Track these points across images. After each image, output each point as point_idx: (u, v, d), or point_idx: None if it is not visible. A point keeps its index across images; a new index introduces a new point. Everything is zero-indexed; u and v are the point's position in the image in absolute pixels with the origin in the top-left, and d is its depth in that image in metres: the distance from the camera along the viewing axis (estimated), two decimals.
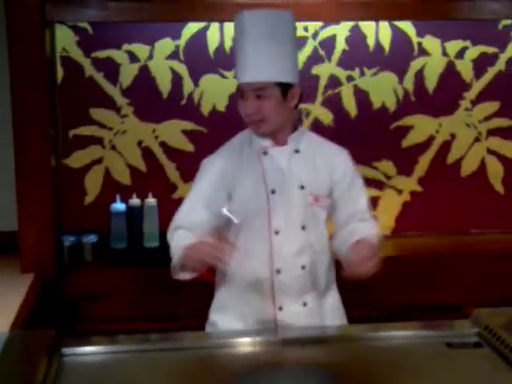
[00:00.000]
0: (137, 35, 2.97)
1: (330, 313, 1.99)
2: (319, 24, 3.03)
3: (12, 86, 2.63)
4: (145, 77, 3.01)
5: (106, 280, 2.79)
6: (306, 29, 3.05)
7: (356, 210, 1.99)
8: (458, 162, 3.23)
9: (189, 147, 3.08)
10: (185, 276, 1.84)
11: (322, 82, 3.11)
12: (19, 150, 2.67)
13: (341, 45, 3.08)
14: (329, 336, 1.81)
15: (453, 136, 3.21)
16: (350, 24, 3.05)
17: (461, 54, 3.13)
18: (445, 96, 3.16)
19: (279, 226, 1.90)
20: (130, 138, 3.05)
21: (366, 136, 3.14)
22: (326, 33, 3.06)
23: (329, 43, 3.07)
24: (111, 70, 2.99)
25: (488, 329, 1.72)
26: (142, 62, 3.00)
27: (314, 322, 1.94)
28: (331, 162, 1.96)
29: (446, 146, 3.22)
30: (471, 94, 3.18)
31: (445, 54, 3.13)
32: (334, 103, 3.13)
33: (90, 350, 1.68)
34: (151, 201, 2.91)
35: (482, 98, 3.18)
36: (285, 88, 1.84)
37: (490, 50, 3.13)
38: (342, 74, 3.10)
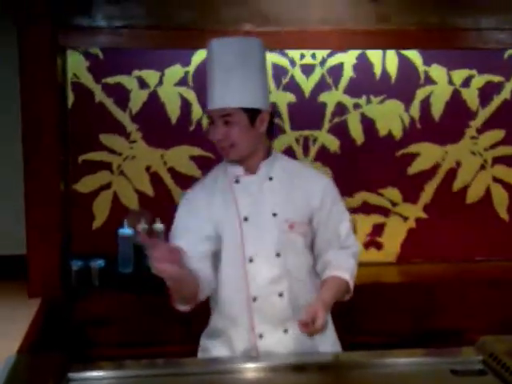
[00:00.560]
0: (147, 61, 3.01)
1: (319, 340, 1.92)
2: (327, 52, 3.08)
3: (23, 111, 2.65)
4: (154, 103, 3.04)
5: (112, 305, 2.79)
6: (313, 56, 3.09)
7: (335, 236, 1.97)
8: (464, 189, 3.26)
9: (197, 173, 3.09)
10: (181, 307, 1.83)
11: (329, 109, 3.14)
12: (29, 175, 2.69)
13: (348, 73, 3.11)
14: (327, 362, 1.80)
15: (458, 164, 3.24)
16: (357, 52, 3.09)
17: (467, 82, 3.17)
18: (450, 124, 3.19)
19: (253, 253, 1.89)
20: (138, 163, 3.07)
21: (373, 163, 3.17)
22: (333, 61, 3.10)
23: (336, 71, 3.11)
24: (121, 95, 3.02)
25: (493, 356, 1.72)
26: (152, 88, 3.03)
27: (300, 348, 1.91)
28: (309, 189, 1.94)
29: (451, 174, 3.24)
30: (477, 123, 3.21)
31: (451, 82, 3.17)
32: (340, 130, 3.16)
33: (96, 375, 1.69)
34: (159, 226, 2.92)
35: (487, 126, 3.21)
36: (253, 114, 1.85)
37: (496, 78, 3.18)
38: (348, 101, 3.14)
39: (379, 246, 3.25)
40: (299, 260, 1.94)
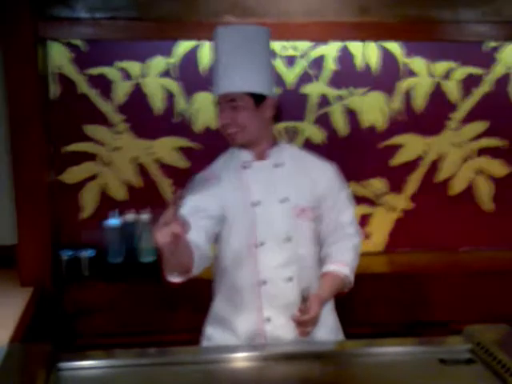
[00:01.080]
0: (130, 53, 3.01)
1: (323, 328, 1.98)
2: (308, 44, 3.09)
3: (9, 103, 2.66)
4: (138, 94, 3.04)
5: (102, 294, 2.80)
6: (295, 48, 3.10)
7: (340, 223, 2.02)
8: (448, 180, 3.29)
9: (183, 163, 3.11)
10: (174, 278, 1.82)
11: (313, 100, 3.16)
12: (16, 167, 2.71)
13: (330, 65, 3.13)
14: (319, 352, 1.82)
15: (441, 155, 3.27)
16: (338, 44, 3.10)
17: (447, 74, 3.20)
18: (433, 116, 3.22)
19: (263, 237, 1.93)
20: (124, 154, 3.08)
21: (357, 154, 3.19)
22: (315, 53, 3.12)
23: (318, 63, 3.13)
24: (105, 86, 3.02)
25: (480, 345, 1.74)
26: (135, 79, 3.04)
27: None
28: (316, 176, 2.00)
29: (435, 165, 3.27)
30: (459, 114, 3.24)
31: (432, 74, 3.19)
32: (324, 122, 3.18)
33: (86, 365, 1.70)
34: (146, 216, 2.93)
35: (469, 117, 3.24)
36: (259, 99, 1.89)
37: (476, 70, 3.20)
38: (331, 93, 3.16)
39: (367, 236, 3.28)
40: (308, 246, 1.99)
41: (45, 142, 2.77)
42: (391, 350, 1.80)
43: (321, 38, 3.00)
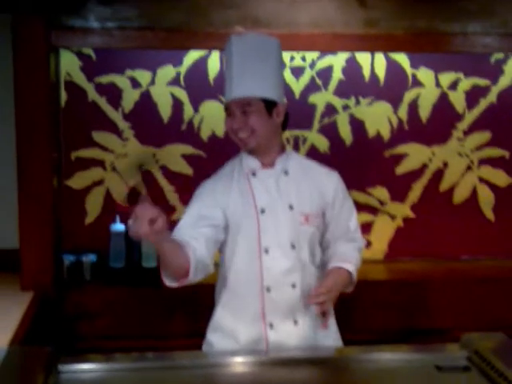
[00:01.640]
0: (139, 61, 3.05)
1: (323, 334, 2.01)
2: (316, 54, 3.13)
3: (16, 109, 2.70)
4: (146, 102, 3.08)
5: (104, 299, 2.83)
6: (303, 58, 3.14)
7: (344, 231, 2.06)
8: (451, 189, 3.30)
9: (188, 171, 3.15)
10: (171, 282, 1.84)
11: (319, 109, 3.18)
12: (22, 171, 2.73)
13: (337, 75, 3.16)
14: (318, 357, 1.83)
15: (445, 164, 3.28)
16: (346, 55, 3.13)
17: (454, 85, 3.22)
18: (438, 126, 3.24)
19: (269, 244, 1.95)
20: (130, 160, 3.12)
21: (361, 163, 3.22)
22: (322, 63, 3.15)
23: (325, 73, 3.16)
24: (113, 94, 3.06)
25: (477, 353, 1.75)
26: (144, 87, 3.08)
27: (306, 342, 1.98)
28: (321, 184, 2.02)
29: (438, 174, 3.29)
30: (463, 125, 3.26)
31: (438, 85, 3.21)
32: (330, 131, 3.20)
33: (86, 368, 1.71)
34: None
35: (473, 128, 3.26)
36: (270, 105, 1.92)
37: (482, 82, 3.22)
38: (338, 102, 3.18)
39: (367, 244, 3.30)
40: (312, 252, 2.02)
41: (51, 147, 2.80)
42: (389, 357, 1.81)
43: (329, 49, 3.03)
